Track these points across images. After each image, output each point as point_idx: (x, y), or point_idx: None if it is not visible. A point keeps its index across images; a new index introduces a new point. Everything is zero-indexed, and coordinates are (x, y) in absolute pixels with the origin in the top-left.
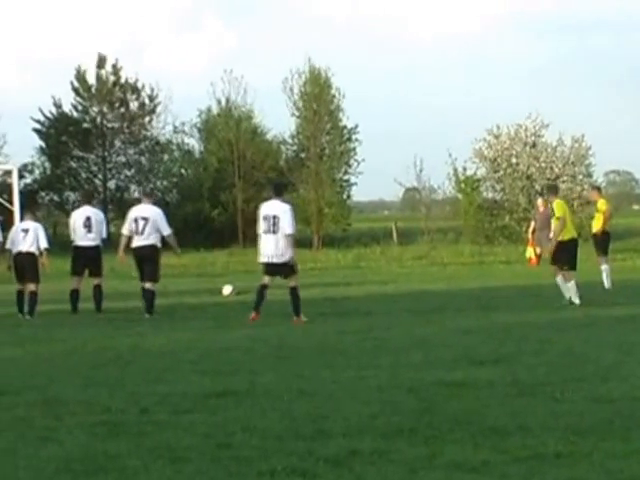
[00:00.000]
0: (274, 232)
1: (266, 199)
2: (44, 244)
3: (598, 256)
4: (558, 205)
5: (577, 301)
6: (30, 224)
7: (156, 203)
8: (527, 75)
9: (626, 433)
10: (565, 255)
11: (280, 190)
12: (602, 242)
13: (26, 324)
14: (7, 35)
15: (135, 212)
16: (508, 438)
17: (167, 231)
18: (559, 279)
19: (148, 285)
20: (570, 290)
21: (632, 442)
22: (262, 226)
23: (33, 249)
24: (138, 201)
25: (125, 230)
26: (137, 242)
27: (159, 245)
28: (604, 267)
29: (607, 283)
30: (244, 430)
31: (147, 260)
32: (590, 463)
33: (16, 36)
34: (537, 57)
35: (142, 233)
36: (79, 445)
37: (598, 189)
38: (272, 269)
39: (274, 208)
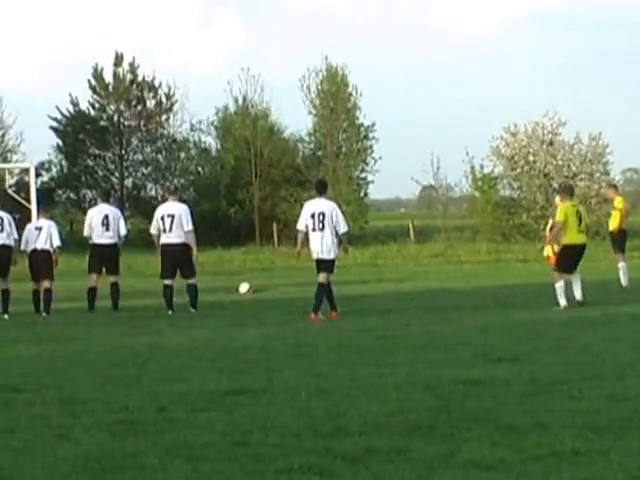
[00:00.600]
0: (321, 229)
1: (311, 197)
2: (57, 242)
3: (615, 254)
4: (560, 208)
5: (563, 302)
6: (43, 222)
7: (182, 200)
8: (544, 73)
9: None
10: (568, 261)
11: (324, 187)
12: (619, 240)
13: (43, 322)
14: (25, 34)
15: (162, 210)
16: (525, 436)
17: (188, 227)
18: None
19: (190, 281)
20: (557, 290)
21: None
22: (309, 224)
23: (47, 246)
24: (163, 200)
25: (153, 229)
26: (166, 240)
27: (187, 242)
28: (621, 265)
29: (624, 281)
30: (261, 428)
31: (182, 258)
32: (607, 461)
33: (34, 35)
34: (554, 55)
35: (170, 230)
36: (96, 443)
37: (615, 187)
38: (318, 265)
39: (321, 206)
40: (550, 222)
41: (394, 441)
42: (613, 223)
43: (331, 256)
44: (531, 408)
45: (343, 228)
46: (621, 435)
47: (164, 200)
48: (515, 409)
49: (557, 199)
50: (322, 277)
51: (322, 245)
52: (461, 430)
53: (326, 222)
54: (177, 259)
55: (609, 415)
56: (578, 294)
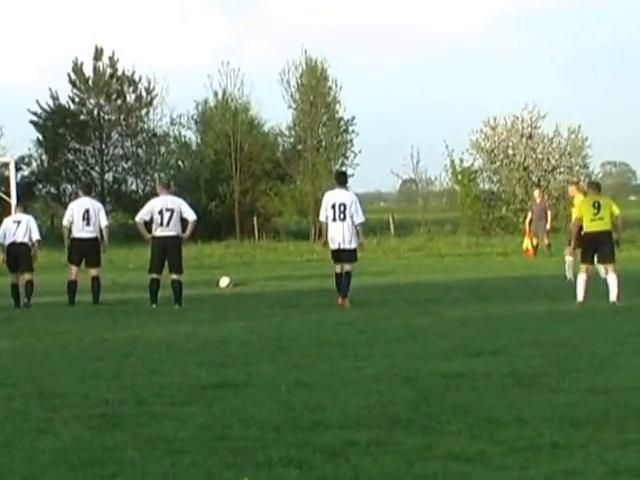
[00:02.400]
0: (343, 220)
1: (331, 188)
2: (36, 236)
3: (567, 246)
4: (576, 205)
5: (580, 297)
6: (22, 216)
7: (175, 193)
8: (523, 66)
9: (621, 423)
10: (586, 250)
11: (344, 179)
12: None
13: (23, 316)
14: (4, 27)
15: (159, 204)
16: (505, 429)
17: (194, 217)
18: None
19: (176, 277)
20: (578, 284)
21: (627, 432)
22: (329, 214)
23: (26, 240)
24: (154, 194)
25: (137, 217)
26: (161, 233)
27: (182, 236)
28: (568, 259)
29: (569, 274)
30: (241, 421)
31: (172, 251)
32: (586, 454)
33: (13, 28)
34: (533, 48)
35: (167, 225)
36: (76, 437)
37: (576, 184)
38: (340, 255)
39: (341, 196)
40: (529, 215)
41: (374, 434)
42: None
43: (352, 245)
44: (510, 401)
45: (360, 219)
46: (599, 428)
47: (155, 194)
48: (494, 402)
49: (536, 192)
50: (347, 267)
51: (343, 235)
52: (440, 423)
53: (347, 213)
54: (168, 252)
55: (588, 408)
56: (612, 295)
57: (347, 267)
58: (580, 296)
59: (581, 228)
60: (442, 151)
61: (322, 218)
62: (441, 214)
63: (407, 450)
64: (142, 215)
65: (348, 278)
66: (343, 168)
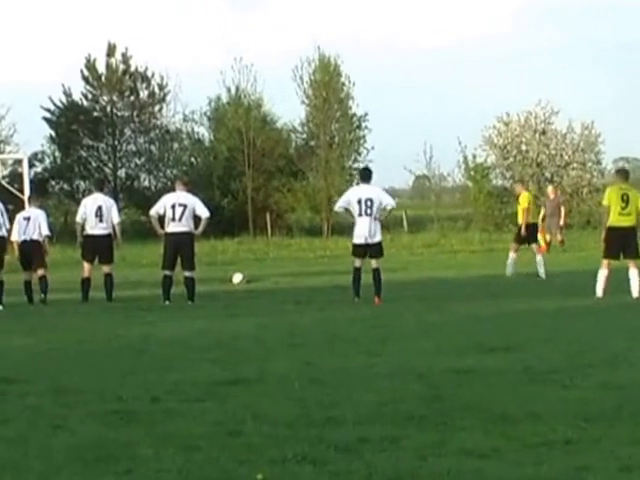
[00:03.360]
0: (369, 214)
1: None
2: (45, 231)
3: (512, 242)
4: (606, 193)
5: (599, 292)
6: (32, 212)
7: (190, 190)
8: (537, 62)
9: (635, 419)
10: (611, 245)
11: (368, 175)
12: (528, 234)
13: (37, 313)
14: (17, 25)
15: (173, 199)
16: (518, 425)
17: (207, 214)
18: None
19: (189, 273)
20: (598, 279)
21: None
22: (355, 209)
23: (36, 236)
24: (172, 189)
25: (152, 211)
26: (173, 228)
27: (194, 232)
28: (511, 255)
29: (509, 270)
30: (254, 418)
31: (185, 247)
32: (599, 450)
33: (25, 26)
34: (547, 44)
35: (180, 220)
36: (90, 433)
37: (522, 182)
38: (364, 250)
39: (367, 192)
40: (542, 211)
41: (387, 430)
42: (519, 218)
43: (378, 239)
44: (524, 397)
45: (392, 203)
46: (613, 423)
47: (172, 189)
48: (508, 398)
49: (549, 188)
50: (376, 263)
51: (370, 230)
52: (454, 419)
53: (374, 207)
54: (181, 249)
55: (601, 404)
56: (635, 291)
57: (375, 264)
58: (600, 292)
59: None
60: (455, 147)
61: (335, 208)
62: (454, 210)
63: (420, 446)
64: (156, 209)
65: (379, 275)
66: (356, 164)
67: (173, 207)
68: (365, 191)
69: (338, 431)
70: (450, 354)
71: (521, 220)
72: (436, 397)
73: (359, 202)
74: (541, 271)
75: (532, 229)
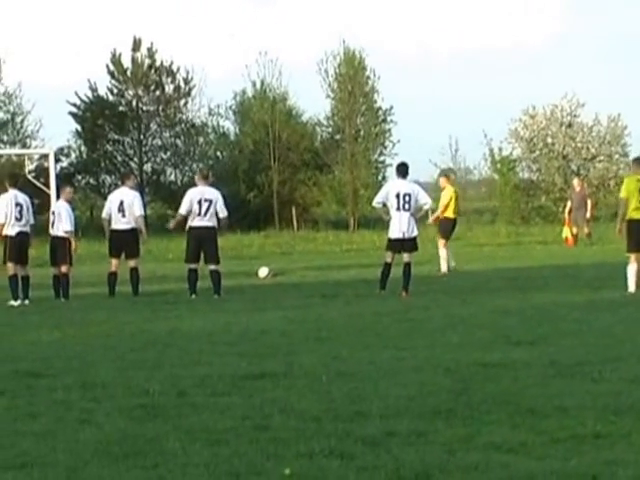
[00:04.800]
0: (407, 209)
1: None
2: (67, 227)
3: (438, 239)
4: (624, 184)
5: (631, 288)
6: (58, 205)
7: (213, 184)
8: (562, 54)
9: None
10: (632, 237)
11: (405, 170)
12: (444, 228)
13: (64, 307)
14: (43, 19)
15: (198, 194)
16: (546, 419)
17: (225, 213)
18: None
19: (214, 267)
20: (628, 273)
21: None
22: (393, 203)
23: (61, 232)
24: (193, 184)
25: (183, 210)
26: (198, 223)
27: (216, 227)
28: (442, 251)
29: (444, 267)
30: (282, 412)
31: (209, 242)
32: (629, 443)
33: (51, 20)
34: (572, 36)
35: (205, 215)
36: (117, 428)
37: (447, 176)
38: (400, 245)
39: (405, 187)
40: (569, 204)
41: (414, 424)
42: (439, 212)
43: (415, 233)
44: (551, 391)
45: (429, 201)
46: None
47: (193, 184)
48: (535, 392)
49: (575, 181)
50: (408, 258)
51: (408, 224)
52: (481, 413)
53: (412, 203)
54: (204, 243)
55: (630, 397)
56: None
57: (408, 258)
58: (632, 287)
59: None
60: (481, 140)
61: (374, 203)
62: (480, 203)
63: (448, 440)
64: (187, 207)
65: (409, 270)
66: (381, 158)
67: (200, 203)
68: (403, 186)
69: (365, 425)
70: (477, 347)
71: (440, 215)
72: (463, 391)
73: (397, 196)
74: (446, 265)
75: (446, 225)
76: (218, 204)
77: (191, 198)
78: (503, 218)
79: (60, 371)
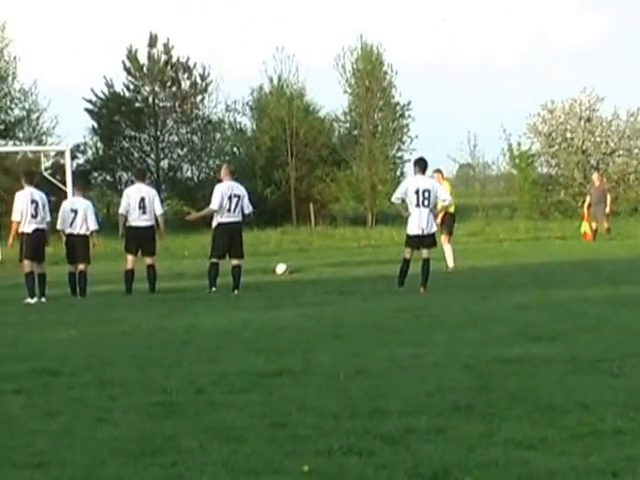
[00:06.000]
0: (426, 206)
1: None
2: (93, 226)
3: (441, 235)
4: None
5: None
6: (79, 203)
7: (236, 180)
8: (581, 48)
9: None
10: None
11: (424, 165)
12: (447, 224)
13: (80, 305)
14: (59, 16)
15: (228, 190)
16: (566, 415)
17: (251, 209)
18: None
19: (237, 261)
20: None
21: None
22: (413, 200)
23: (83, 231)
24: (218, 180)
25: (216, 205)
26: (227, 218)
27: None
28: (446, 247)
29: (450, 262)
30: (300, 409)
31: (237, 237)
32: None
33: (67, 16)
34: (591, 30)
35: (234, 210)
36: (135, 426)
37: (440, 171)
38: (419, 241)
39: (425, 183)
40: (588, 199)
41: (433, 421)
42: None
43: (434, 229)
44: (571, 387)
45: (449, 198)
46: None
47: (214, 180)
48: (555, 388)
49: (595, 176)
50: (427, 254)
51: (427, 221)
52: (501, 409)
53: (431, 199)
54: (233, 238)
55: None
56: None
57: (427, 254)
58: None
59: None
60: (499, 135)
61: (393, 199)
62: (499, 198)
63: (467, 437)
64: (219, 203)
65: (428, 266)
66: (399, 153)
67: (230, 198)
68: (423, 182)
69: (384, 422)
70: (496, 343)
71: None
72: (483, 387)
73: (417, 192)
74: (453, 261)
75: (450, 221)
76: (245, 200)
77: (222, 194)
78: (522, 213)
79: (77, 369)
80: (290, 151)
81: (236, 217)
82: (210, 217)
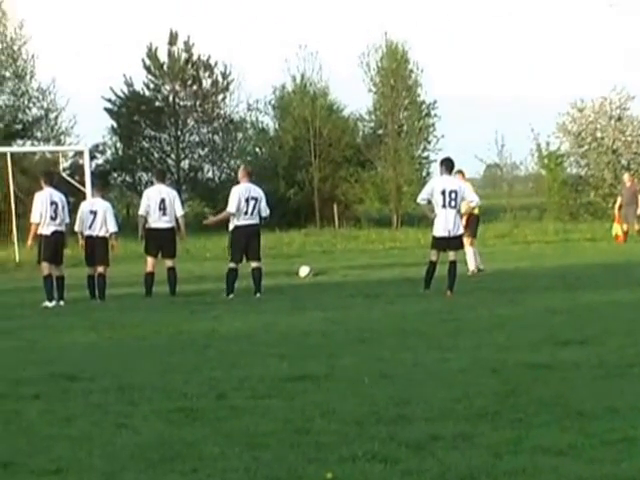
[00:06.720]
0: (453, 207)
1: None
2: (113, 228)
3: (465, 237)
4: None
5: None
6: (99, 205)
7: (254, 181)
8: (611, 47)
9: None
10: None
11: (451, 165)
12: (470, 226)
13: (99, 308)
14: (77, 14)
15: (245, 192)
16: (596, 421)
17: (267, 212)
18: None
19: (256, 264)
20: None
21: None
22: (439, 200)
23: (102, 233)
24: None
25: (233, 208)
26: (245, 221)
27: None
28: (468, 249)
29: (471, 265)
30: (323, 415)
31: (254, 239)
32: None
33: (86, 15)
34: (621, 28)
35: (252, 213)
36: (155, 432)
37: (462, 172)
38: (445, 243)
39: (451, 183)
40: (619, 200)
41: (460, 427)
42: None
43: (461, 231)
44: (601, 392)
45: (476, 199)
46: None
47: (232, 182)
48: (584, 393)
49: (626, 176)
50: (454, 256)
51: (454, 222)
52: (529, 415)
53: (458, 200)
54: (250, 241)
55: None
56: None
57: (453, 256)
58: None
59: None
60: (527, 135)
61: (418, 199)
62: (527, 199)
63: (494, 443)
64: (236, 205)
65: (455, 269)
66: (425, 153)
67: (247, 201)
68: (449, 183)
69: (409, 428)
70: (524, 348)
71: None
72: (510, 392)
73: (443, 193)
74: (474, 263)
75: (474, 223)
76: (262, 202)
77: (239, 196)
78: (551, 215)
79: (96, 374)
80: (313, 151)
81: (254, 220)
82: (228, 220)
